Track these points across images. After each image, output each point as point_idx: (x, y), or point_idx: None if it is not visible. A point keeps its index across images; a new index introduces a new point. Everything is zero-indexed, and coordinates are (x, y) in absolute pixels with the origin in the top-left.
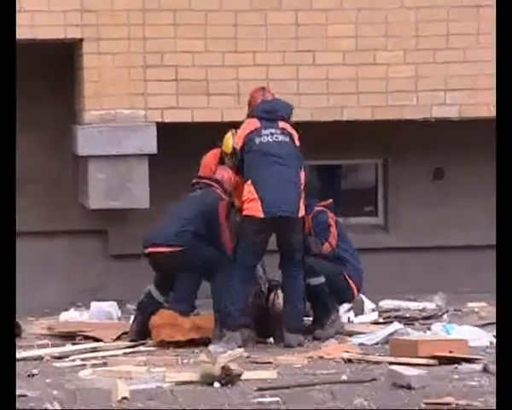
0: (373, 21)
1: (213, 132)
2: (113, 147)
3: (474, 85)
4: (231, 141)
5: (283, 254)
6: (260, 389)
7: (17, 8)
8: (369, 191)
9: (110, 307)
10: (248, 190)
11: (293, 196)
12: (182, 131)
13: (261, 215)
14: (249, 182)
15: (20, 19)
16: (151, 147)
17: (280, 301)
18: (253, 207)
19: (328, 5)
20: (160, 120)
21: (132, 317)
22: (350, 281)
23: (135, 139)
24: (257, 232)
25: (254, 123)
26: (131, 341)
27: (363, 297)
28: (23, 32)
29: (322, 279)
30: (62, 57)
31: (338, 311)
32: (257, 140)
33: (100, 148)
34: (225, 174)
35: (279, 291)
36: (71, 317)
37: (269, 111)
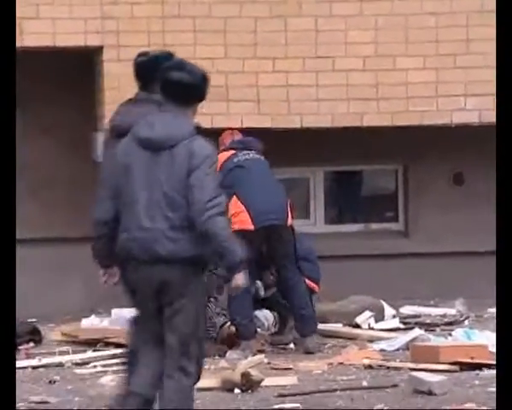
0: (393, 27)
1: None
2: None
3: (495, 91)
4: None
5: (276, 265)
6: (280, 396)
7: (38, 16)
8: (390, 197)
9: (131, 313)
10: (234, 204)
11: (280, 203)
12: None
13: (251, 227)
14: (234, 198)
15: (41, 26)
16: None
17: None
18: (243, 221)
19: (347, 11)
20: None
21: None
22: (309, 282)
23: None
24: (249, 245)
25: (229, 153)
26: None
27: (384, 303)
28: (44, 39)
29: (273, 290)
30: (82, 64)
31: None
32: (235, 160)
33: None
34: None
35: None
36: (92, 323)
37: (242, 142)
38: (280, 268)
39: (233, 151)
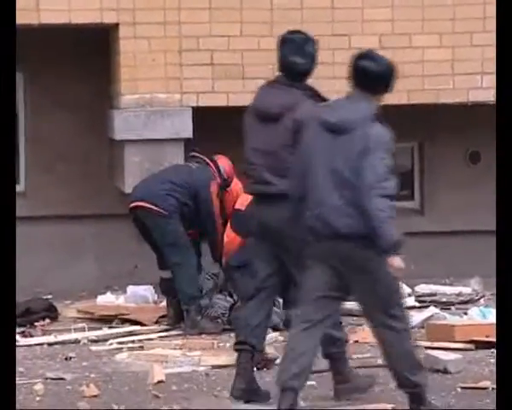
0: (409, 5)
1: None
2: (149, 131)
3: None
4: None
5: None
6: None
7: None
8: (405, 175)
9: (146, 290)
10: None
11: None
12: (217, 115)
13: None
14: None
15: (57, 3)
16: (187, 131)
17: None
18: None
19: None
20: (195, 104)
21: (165, 303)
22: None
23: (170, 123)
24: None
25: None
26: (169, 325)
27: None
28: (59, 16)
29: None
30: (98, 41)
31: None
32: None
33: (136, 132)
34: (226, 166)
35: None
36: (107, 301)
37: None
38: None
39: None
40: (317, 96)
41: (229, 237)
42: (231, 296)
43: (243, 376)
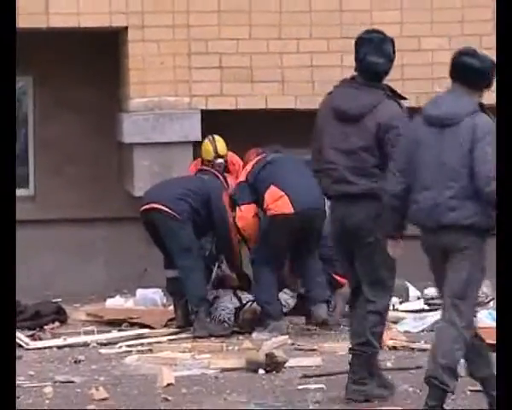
0: (418, 7)
1: (257, 119)
2: (158, 134)
3: None
4: (211, 147)
5: (297, 251)
6: (305, 377)
7: None
8: None
9: (155, 293)
10: (273, 192)
11: (317, 191)
12: (226, 119)
13: (291, 210)
14: (272, 187)
15: (66, 7)
16: (195, 134)
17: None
18: (283, 204)
19: None
20: (204, 107)
21: (172, 305)
22: (337, 278)
23: (179, 127)
24: (285, 230)
25: (257, 157)
26: (179, 327)
27: (409, 284)
28: (68, 20)
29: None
30: (107, 45)
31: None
32: (267, 158)
33: (145, 135)
34: (234, 184)
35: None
36: (116, 304)
37: (270, 149)
38: (300, 254)
39: (262, 155)
40: (396, 96)
41: (241, 212)
42: (238, 299)
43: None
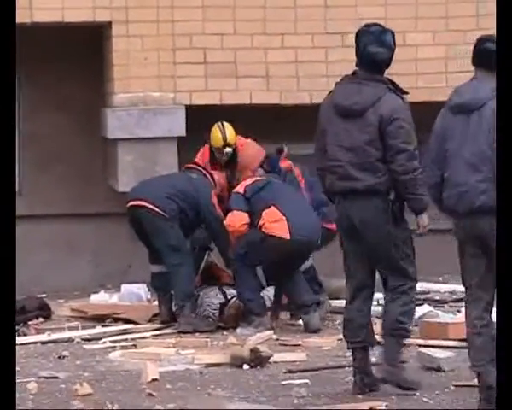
0: (402, 3)
1: (242, 115)
2: (142, 130)
3: None
4: (220, 134)
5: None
6: (289, 372)
7: None
8: None
9: (140, 289)
10: (274, 212)
11: (315, 223)
12: (210, 114)
13: (287, 237)
14: (273, 207)
15: (50, 2)
16: (180, 129)
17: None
18: (281, 228)
19: None
20: (188, 102)
21: (157, 301)
22: (328, 226)
23: (164, 122)
24: (276, 253)
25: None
26: (163, 322)
27: None
28: (52, 14)
29: (310, 262)
30: (91, 40)
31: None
32: (270, 179)
33: (129, 131)
34: (221, 180)
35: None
36: (101, 299)
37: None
38: (281, 276)
39: (263, 175)
40: (398, 90)
41: (233, 217)
42: (223, 294)
43: (364, 371)
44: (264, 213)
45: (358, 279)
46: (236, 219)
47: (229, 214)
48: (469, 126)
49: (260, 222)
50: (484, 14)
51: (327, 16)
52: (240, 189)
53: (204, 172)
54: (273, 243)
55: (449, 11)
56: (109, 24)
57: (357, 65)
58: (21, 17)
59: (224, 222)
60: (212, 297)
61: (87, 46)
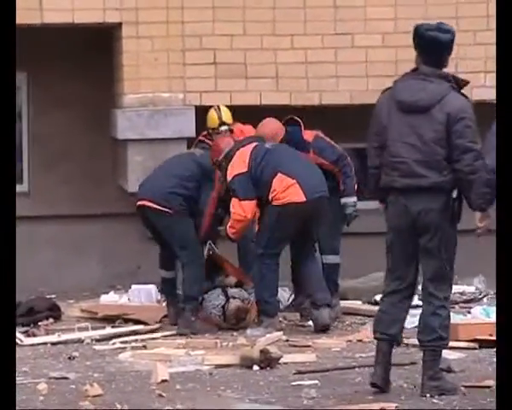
0: (412, 3)
1: (252, 115)
2: (152, 130)
3: None
4: (215, 114)
5: (304, 239)
6: (299, 373)
7: None
8: None
9: (149, 290)
10: (282, 180)
11: (321, 177)
12: None
13: (303, 199)
14: (279, 174)
15: (60, 3)
16: (190, 130)
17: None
18: (294, 193)
19: None
20: (198, 103)
21: (165, 303)
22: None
23: (173, 123)
24: (296, 219)
25: (251, 145)
26: (171, 325)
27: None
28: (63, 16)
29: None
30: (102, 41)
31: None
32: (266, 145)
33: (139, 131)
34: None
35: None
36: (110, 300)
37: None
38: (306, 242)
39: (255, 143)
40: (460, 87)
41: (241, 207)
42: (225, 294)
43: (386, 366)
44: (274, 182)
45: (404, 281)
46: (248, 209)
47: (238, 206)
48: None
49: (271, 194)
50: (494, 15)
51: (336, 17)
52: (243, 167)
53: (211, 144)
54: (290, 210)
55: (458, 11)
56: (119, 25)
57: (416, 62)
58: (32, 18)
59: (232, 210)
60: (214, 299)
61: (97, 47)
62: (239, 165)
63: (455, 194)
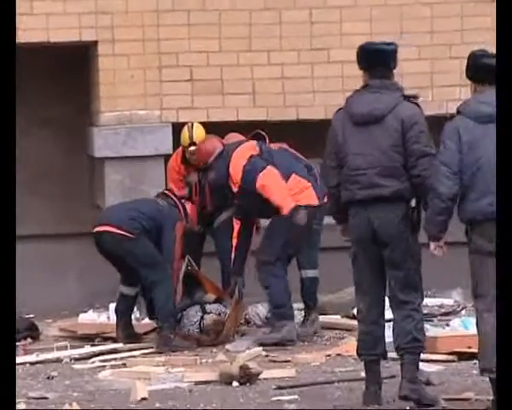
0: (387, 18)
1: (229, 132)
2: (129, 148)
3: None
4: (187, 133)
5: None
6: (279, 388)
7: (32, 11)
8: None
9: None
10: (298, 181)
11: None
12: None
13: (316, 202)
14: (294, 175)
15: (35, 22)
16: (167, 147)
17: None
18: (309, 196)
19: (342, 2)
20: (175, 120)
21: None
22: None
23: (151, 140)
24: (307, 224)
25: (251, 143)
26: (121, 342)
27: None
28: (38, 35)
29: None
30: (78, 59)
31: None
32: (270, 147)
33: (116, 149)
34: (192, 213)
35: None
36: (89, 319)
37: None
38: (301, 251)
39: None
40: (410, 98)
41: (268, 170)
42: (203, 310)
43: (378, 383)
44: (289, 182)
45: (374, 294)
46: (272, 171)
47: (263, 172)
48: (491, 137)
49: (291, 193)
50: (468, 29)
51: (312, 32)
52: (251, 153)
53: (177, 202)
54: (308, 212)
55: (434, 25)
56: (95, 43)
57: (364, 79)
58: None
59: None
60: (192, 316)
61: (73, 66)
62: (243, 155)
63: (413, 203)
